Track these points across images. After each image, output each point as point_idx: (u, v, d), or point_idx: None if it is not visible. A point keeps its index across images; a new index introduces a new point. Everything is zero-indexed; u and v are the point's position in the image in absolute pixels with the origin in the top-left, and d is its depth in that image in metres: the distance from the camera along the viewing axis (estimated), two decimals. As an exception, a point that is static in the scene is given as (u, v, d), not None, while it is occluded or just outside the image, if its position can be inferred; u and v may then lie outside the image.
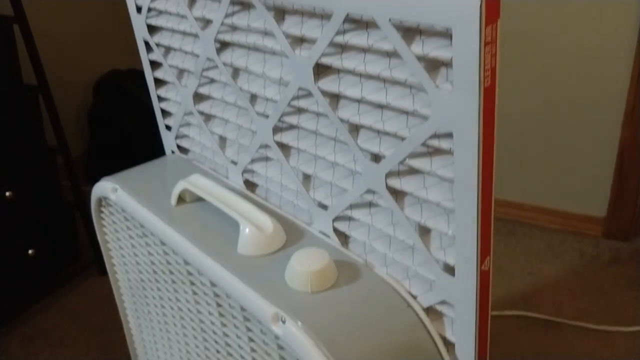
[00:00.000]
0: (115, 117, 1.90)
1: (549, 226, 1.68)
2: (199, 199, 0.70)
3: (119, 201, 0.74)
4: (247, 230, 0.59)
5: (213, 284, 0.61)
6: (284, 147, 0.64)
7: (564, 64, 1.49)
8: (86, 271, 1.59)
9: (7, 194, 1.30)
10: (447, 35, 0.42)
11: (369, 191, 0.54)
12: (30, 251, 1.37)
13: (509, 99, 1.60)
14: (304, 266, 0.53)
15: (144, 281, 0.80)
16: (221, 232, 0.64)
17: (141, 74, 1.82)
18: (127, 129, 1.89)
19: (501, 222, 1.72)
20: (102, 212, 0.82)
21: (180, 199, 0.70)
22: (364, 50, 0.49)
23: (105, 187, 0.76)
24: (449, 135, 0.45)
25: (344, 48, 0.51)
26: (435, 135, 0.46)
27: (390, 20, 0.43)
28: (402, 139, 0.48)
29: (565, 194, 1.64)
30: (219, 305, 0.62)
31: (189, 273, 0.65)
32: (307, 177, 0.63)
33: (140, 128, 1.88)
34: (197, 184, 0.67)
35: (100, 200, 0.80)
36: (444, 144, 0.45)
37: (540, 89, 1.55)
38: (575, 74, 1.49)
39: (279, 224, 0.61)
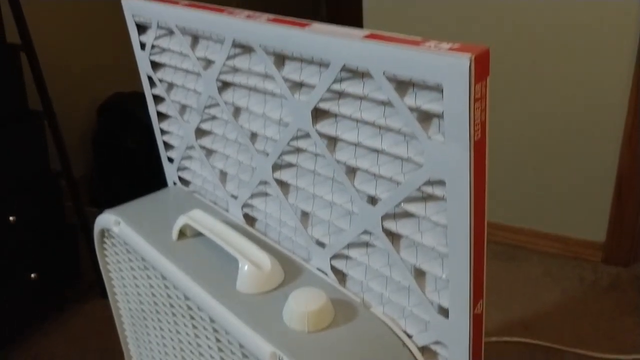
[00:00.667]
0: (118, 139, 1.92)
1: (548, 251, 1.68)
2: (200, 234, 0.71)
3: (122, 234, 0.75)
4: (245, 267, 0.60)
5: (212, 320, 0.62)
6: (283, 185, 0.65)
7: (562, 90, 1.51)
8: (88, 293, 1.60)
9: (11, 218, 1.31)
10: (438, 88, 0.44)
11: (365, 232, 0.55)
12: (32, 275, 1.38)
13: (509, 125, 1.61)
14: (301, 306, 0.54)
15: (144, 311, 0.81)
16: (221, 268, 0.65)
17: (144, 97, 1.85)
18: (130, 150, 1.91)
19: (501, 247, 1.73)
20: (104, 242, 0.84)
21: (181, 233, 0.72)
22: (360, 98, 0.51)
23: (108, 220, 0.78)
24: (442, 182, 0.46)
25: (341, 94, 0.53)
26: (429, 182, 0.47)
27: (384, 73, 0.45)
28: (398, 183, 0.50)
29: (564, 219, 1.64)
30: (218, 340, 0.63)
31: (189, 308, 0.66)
32: (305, 215, 0.64)
33: (143, 149, 1.90)
34: (198, 219, 0.69)
35: (103, 232, 0.82)
36: (438, 191, 0.47)
37: (539, 115, 1.56)
38: (573, 100, 1.51)
39: (277, 262, 0.62)
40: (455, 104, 0.41)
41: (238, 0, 2.82)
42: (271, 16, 0.55)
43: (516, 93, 1.57)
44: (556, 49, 1.48)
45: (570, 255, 1.66)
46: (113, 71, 2.20)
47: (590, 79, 1.47)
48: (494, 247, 1.72)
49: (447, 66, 0.40)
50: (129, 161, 1.93)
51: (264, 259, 0.61)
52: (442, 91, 0.42)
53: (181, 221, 0.70)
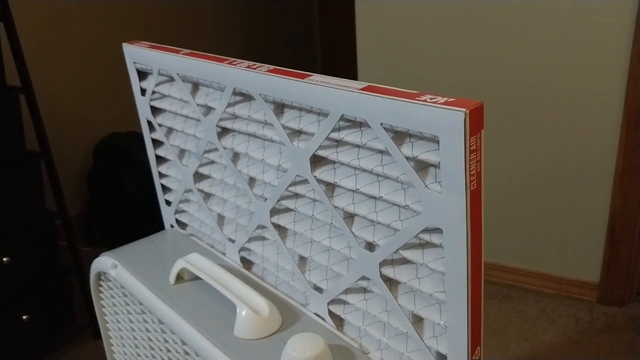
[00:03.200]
0: (114, 178, 1.92)
1: (543, 291, 1.68)
2: (197, 278, 0.71)
3: (119, 278, 0.75)
4: (244, 313, 0.60)
5: (210, 366, 0.61)
6: (281, 229, 0.66)
7: (554, 134, 1.54)
8: (81, 335, 1.58)
9: (5, 259, 1.31)
10: (435, 139, 0.45)
11: (363, 278, 0.56)
12: (24, 316, 1.36)
13: (504, 167, 1.63)
14: (300, 352, 0.54)
15: (140, 355, 0.80)
16: (218, 313, 0.65)
17: (140, 136, 1.86)
18: (126, 189, 1.91)
19: (496, 287, 1.72)
20: (100, 285, 0.83)
21: (179, 277, 0.72)
22: (358, 146, 0.52)
23: (105, 263, 0.78)
24: (440, 230, 0.47)
25: (339, 143, 0.54)
26: (427, 230, 0.48)
27: (381, 124, 0.46)
28: (396, 230, 0.51)
29: (559, 259, 1.65)
30: (215, 387, 0.62)
31: (186, 353, 0.66)
32: (302, 259, 0.65)
33: (139, 188, 1.90)
34: (196, 263, 0.69)
35: (99, 275, 0.81)
36: (435, 238, 0.47)
37: (533, 158, 1.59)
38: (565, 144, 1.53)
39: (275, 307, 0.62)
40: (451, 155, 0.42)
41: (238, 49, 2.88)
42: (271, 67, 0.57)
43: (510, 136, 1.60)
44: (547, 95, 1.51)
45: (565, 295, 1.66)
46: (109, 111, 2.22)
47: (581, 122, 1.50)
48: (489, 287, 1.72)
49: (443, 120, 0.41)
50: (124, 199, 1.93)
51: (262, 305, 0.61)
52: (439, 142, 0.43)
53: (179, 265, 0.70)
